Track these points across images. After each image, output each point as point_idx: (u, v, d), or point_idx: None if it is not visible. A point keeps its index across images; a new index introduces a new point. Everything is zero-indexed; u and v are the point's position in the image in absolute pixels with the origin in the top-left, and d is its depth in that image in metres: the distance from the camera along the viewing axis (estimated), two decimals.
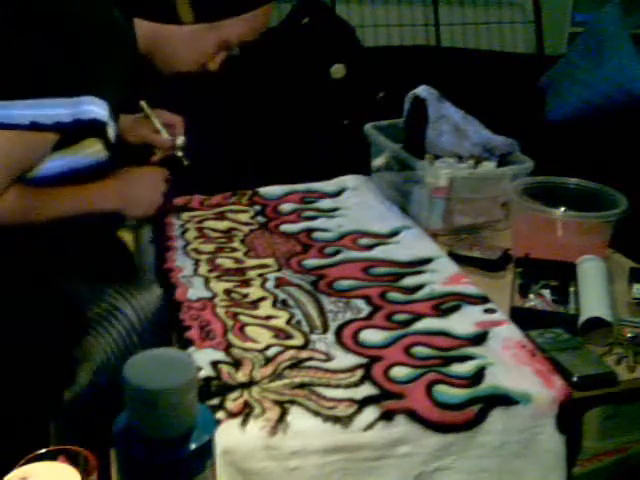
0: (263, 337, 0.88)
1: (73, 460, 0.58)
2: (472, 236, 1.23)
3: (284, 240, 1.15)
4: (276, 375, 0.80)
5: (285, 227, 1.19)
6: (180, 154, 1.24)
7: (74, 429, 1.05)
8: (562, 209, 1.15)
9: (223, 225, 1.20)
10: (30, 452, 0.58)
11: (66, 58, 0.95)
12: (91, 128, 0.99)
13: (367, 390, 0.78)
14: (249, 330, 0.89)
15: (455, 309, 0.95)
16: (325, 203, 1.29)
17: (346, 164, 1.45)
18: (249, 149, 1.98)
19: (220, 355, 0.84)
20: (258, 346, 0.86)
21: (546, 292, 1.02)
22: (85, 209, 1.11)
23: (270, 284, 1.01)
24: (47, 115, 0.94)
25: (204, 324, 0.90)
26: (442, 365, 0.83)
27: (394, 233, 1.17)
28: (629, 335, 0.93)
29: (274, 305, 0.95)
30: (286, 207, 1.27)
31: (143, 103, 1.27)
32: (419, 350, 0.86)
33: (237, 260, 1.08)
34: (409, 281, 1.02)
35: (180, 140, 1.24)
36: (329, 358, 0.84)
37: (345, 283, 1.01)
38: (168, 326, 1.04)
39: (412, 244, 1.13)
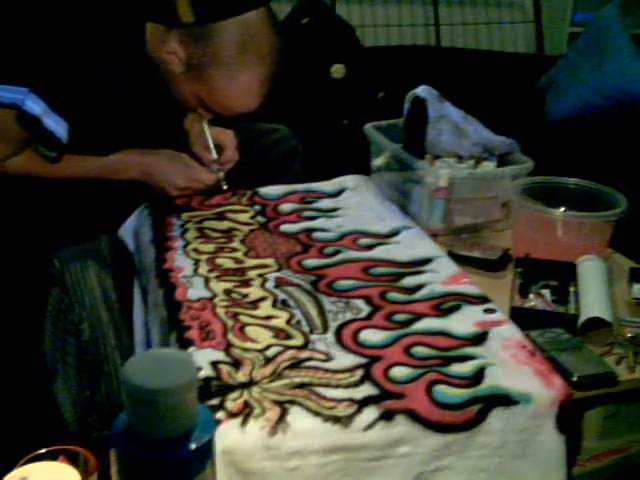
0: (263, 337, 0.88)
1: (73, 460, 0.58)
2: (472, 236, 1.23)
3: (284, 240, 1.15)
4: (276, 375, 0.80)
5: (285, 227, 1.19)
6: (222, 175, 1.30)
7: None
8: (562, 209, 1.15)
9: (223, 225, 1.20)
10: (30, 452, 0.58)
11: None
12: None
13: (367, 390, 0.78)
14: (249, 330, 0.89)
15: (455, 309, 0.95)
16: (325, 203, 1.29)
17: (346, 164, 1.45)
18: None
19: (220, 355, 0.84)
20: (258, 346, 0.86)
21: (546, 292, 1.02)
22: (104, 174, 1.26)
23: (270, 284, 1.01)
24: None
25: (204, 324, 0.90)
26: (442, 365, 0.83)
27: (394, 233, 1.17)
28: (629, 335, 0.93)
29: (274, 305, 0.95)
30: (286, 207, 1.27)
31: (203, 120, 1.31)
32: (419, 350, 0.86)
33: (237, 260, 1.08)
34: (409, 281, 1.02)
35: (222, 174, 1.31)
36: (329, 358, 0.84)
37: (345, 283, 1.01)
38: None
39: (412, 244, 1.13)
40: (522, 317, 0.94)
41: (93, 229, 1.26)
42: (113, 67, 1.17)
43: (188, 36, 1.13)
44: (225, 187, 1.31)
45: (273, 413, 0.74)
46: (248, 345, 0.86)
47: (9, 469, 0.57)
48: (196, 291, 0.98)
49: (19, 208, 1.24)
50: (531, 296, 1.01)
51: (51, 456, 0.58)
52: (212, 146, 1.31)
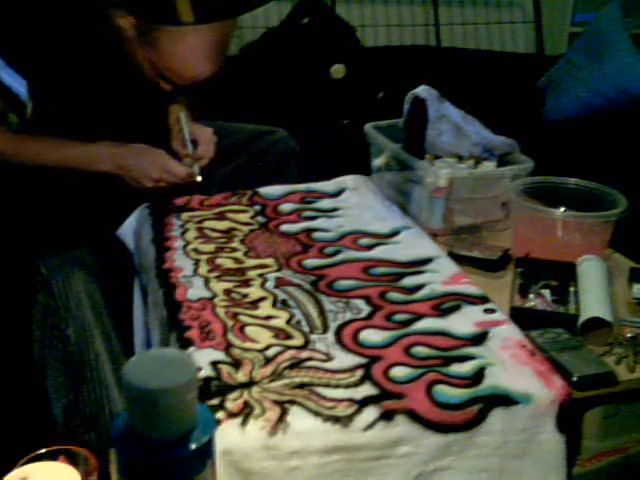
0: (263, 337, 0.88)
1: (73, 460, 0.58)
2: (472, 236, 1.23)
3: (284, 240, 1.15)
4: (276, 375, 0.80)
5: (285, 227, 1.19)
6: (195, 169, 1.29)
7: None
8: (562, 209, 1.15)
9: (223, 225, 1.20)
10: (30, 452, 0.58)
11: None
12: None
13: (367, 390, 0.78)
14: (249, 330, 0.89)
15: (455, 309, 0.95)
16: (325, 203, 1.29)
17: (346, 164, 1.45)
18: None
19: (220, 355, 0.84)
20: (258, 346, 0.86)
21: (546, 292, 1.02)
22: (78, 164, 1.26)
23: (270, 284, 1.01)
24: None
25: (204, 324, 0.90)
26: (442, 365, 0.83)
27: (394, 233, 1.17)
28: (629, 335, 0.93)
29: (274, 305, 0.95)
30: (286, 207, 1.27)
31: (181, 114, 1.32)
32: (419, 350, 0.86)
33: (237, 260, 1.08)
34: (409, 281, 1.02)
35: (196, 168, 1.29)
36: (329, 358, 0.84)
37: (345, 283, 1.01)
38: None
39: (412, 244, 1.13)
40: (522, 317, 0.94)
41: (80, 236, 1.25)
42: (80, 43, 1.18)
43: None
44: (199, 179, 1.29)
45: (273, 413, 0.74)
46: (248, 345, 0.86)
47: (9, 469, 0.57)
48: (196, 291, 0.98)
49: (6, 214, 1.24)
50: (531, 296, 1.01)
51: (51, 456, 0.58)
52: (188, 141, 1.31)
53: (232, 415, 0.74)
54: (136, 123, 1.30)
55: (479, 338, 0.88)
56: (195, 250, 1.11)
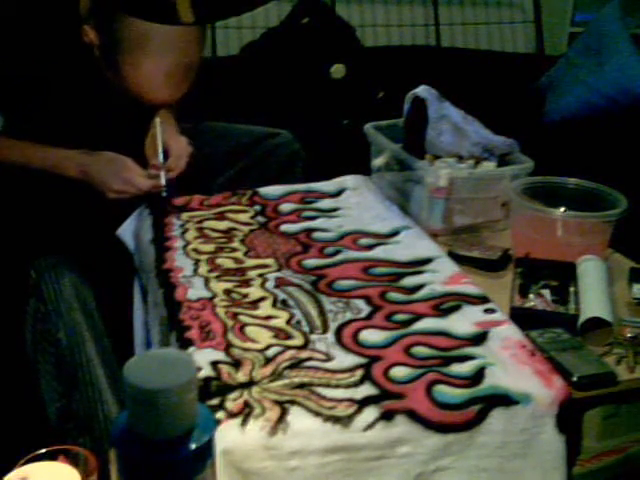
0: (263, 337, 0.88)
1: (73, 460, 0.58)
2: (472, 236, 1.23)
3: (284, 240, 1.15)
4: (276, 375, 0.80)
5: (285, 227, 1.19)
6: (163, 183, 1.26)
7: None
8: (562, 209, 1.15)
9: (223, 225, 1.20)
10: (30, 452, 0.58)
11: None
12: None
13: (367, 390, 0.78)
14: (249, 330, 0.89)
15: (455, 309, 0.95)
16: (325, 203, 1.29)
17: (346, 164, 1.45)
18: None
19: (220, 355, 0.84)
20: (258, 346, 0.86)
21: (546, 292, 1.02)
22: (44, 166, 1.26)
23: (270, 284, 1.01)
24: None
25: (204, 324, 0.90)
26: (442, 365, 0.83)
27: (394, 233, 1.17)
28: (629, 335, 0.93)
29: (274, 305, 0.95)
30: (286, 207, 1.27)
31: (157, 121, 1.30)
32: (419, 350, 0.86)
33: (237, 260, 1.08)
34: (409, 281, 1.02)
35: (163, 179, 1.26)
36: (329, 358, 0.84)
37: (345, 283, 1.01)
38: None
39: (412, 244, 1.13)
40: (522, 317, 0.94)
41: (79, 236, 1.25)
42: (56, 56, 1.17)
43: (96, 21, 1.12)
44: (164, 194, 1.26)
45: (273, 413, 0.74)
46: (248, 345, 0.86)
47: (9, 469, 0.57)
48: (196, 291, 0.98)
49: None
50: (531, 296, 1.01)
51: (51, 456, 0.58)
52: (160, 151, 1.28)
53: (232, 415, 0.74)
54: (115, 125, 1.29)
55: (479, 338, 0.88)
56: (195, 250, 1.11)
